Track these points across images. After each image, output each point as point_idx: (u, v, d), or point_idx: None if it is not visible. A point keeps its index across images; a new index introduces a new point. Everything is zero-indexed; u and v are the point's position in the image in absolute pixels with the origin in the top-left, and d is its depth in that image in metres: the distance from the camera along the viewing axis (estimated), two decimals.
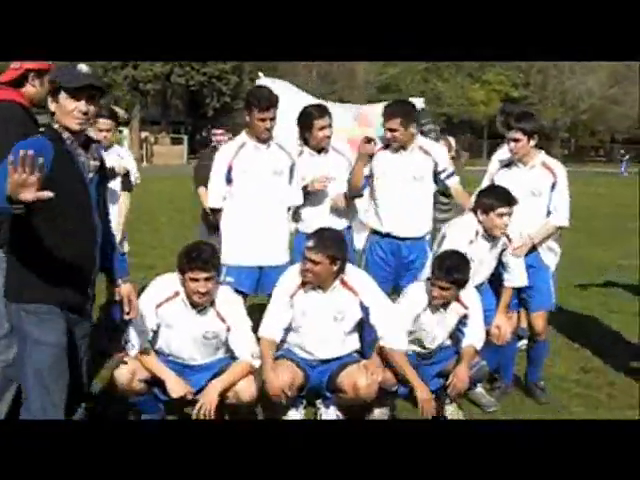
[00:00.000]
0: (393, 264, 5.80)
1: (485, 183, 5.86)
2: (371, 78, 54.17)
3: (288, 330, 5.13)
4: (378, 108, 6.71)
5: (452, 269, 4.94)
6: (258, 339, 5.00)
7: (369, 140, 5.57)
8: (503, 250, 5.44)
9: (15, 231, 3.44)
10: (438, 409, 5.26)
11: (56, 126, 3.53)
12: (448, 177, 5.78)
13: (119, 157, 6.20)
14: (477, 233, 5.32)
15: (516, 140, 5.50)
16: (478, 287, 5.45)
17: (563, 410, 5.41)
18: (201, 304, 4.76)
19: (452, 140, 7.47)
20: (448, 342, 5.35)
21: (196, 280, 4.60)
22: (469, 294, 5.20)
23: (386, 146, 5.67)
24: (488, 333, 5.38)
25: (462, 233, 5.32)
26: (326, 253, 4.84)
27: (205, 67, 44.74)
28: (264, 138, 5.49)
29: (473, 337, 5.21)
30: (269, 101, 5.36)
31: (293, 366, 5.02)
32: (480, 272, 5.43)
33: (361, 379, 4.90)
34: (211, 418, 4.65)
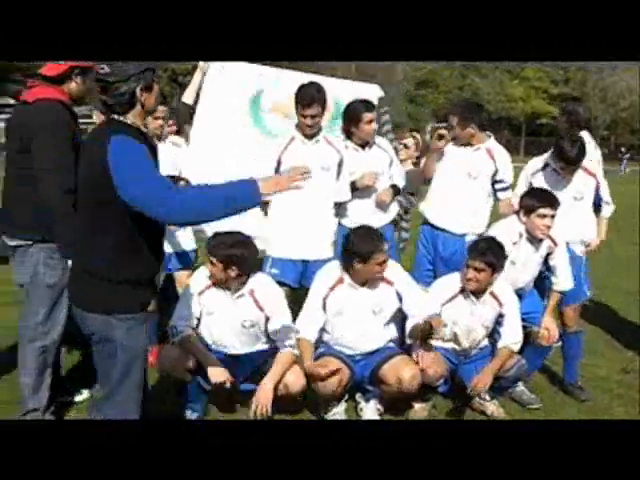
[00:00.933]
0: (435, 256, 5.85)
1: (521, 187, 5.82)
2: (409, 73, 53.98)
3: (326, 327, 5.17)
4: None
5: (487, 251, 4.97)
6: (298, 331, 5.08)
7: (441, 137, 5.61)
8: (549, 254, 5.41)
9: (109, 245, 3.43)
10: (478, 407, 5.32)
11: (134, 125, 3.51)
12: (502, 190, 5.76)
13: (176, 146, 6.16)
14: (520, 235, 5.32)
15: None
16: (522, 290, 5.46)
17: (604, 411, 5.36)
18: (236, 287, 4.88)
19: (418, 136, 7.51)
20: (485, 341, 5.35)
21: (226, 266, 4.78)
22: (505, 292, 5.20)
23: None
24: (535, 334, 5.40)
25: (505, 234, 5.30)
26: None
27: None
28: (309, 134, 5.56)
29: (509, 338, 5.18)
30: (312, 98, 5.42)
31: (340, 363, 5.04)
32: (523, 275, 5.43)
33: (405, 371, 4.93)
34: (269, 416, 4.72)
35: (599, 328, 7.17)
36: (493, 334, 5.31)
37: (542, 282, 5.62)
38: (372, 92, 6.75)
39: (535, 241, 5.33)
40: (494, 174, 5.69)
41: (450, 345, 5.30)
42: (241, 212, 3.34)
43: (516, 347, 5.18)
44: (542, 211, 5.19)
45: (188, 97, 6.34)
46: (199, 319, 5.00)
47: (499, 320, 5.23)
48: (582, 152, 5.37)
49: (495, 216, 5.82)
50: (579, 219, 5.62)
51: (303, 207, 5.54)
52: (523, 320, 5.43)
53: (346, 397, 5.26)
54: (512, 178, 5.83)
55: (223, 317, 4.94)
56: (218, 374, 4.77)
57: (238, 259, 4.75)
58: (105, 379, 3.62)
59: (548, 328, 5.42)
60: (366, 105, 5.79)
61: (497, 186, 5.75)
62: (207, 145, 6.13)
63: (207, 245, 4.85)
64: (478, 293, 5.13)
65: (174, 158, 5.97)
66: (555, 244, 5.38)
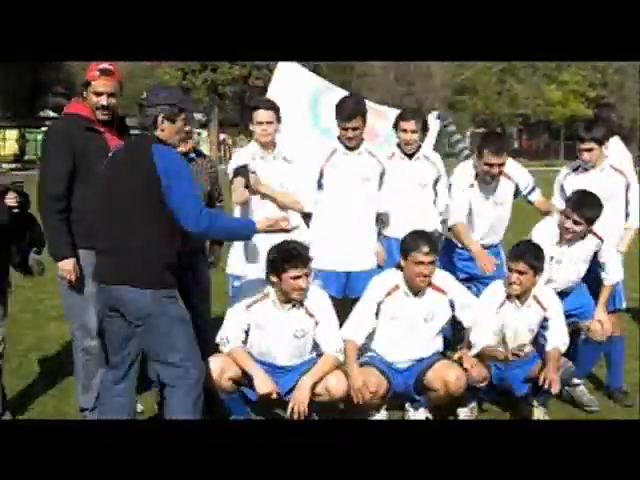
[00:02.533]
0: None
1: (556, 192, 6.00)
2: (447, 79, 53.83)
3: (376, 333, 5.23)
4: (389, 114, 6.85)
5: (527, 253, 5.10)
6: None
7: None
8: (596, 252, 5.53)
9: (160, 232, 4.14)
10: (526, 413, 5.39)
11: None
12: (530, 193, 5.90)
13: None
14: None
15: (589, 150, 5.66)
16: (571, 287, 5.61)
17: None
18: (298, 300, 4.89)
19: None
20: (530, 347, 5.33)
21: (298, 277, 4.77)
22: (548, 296, 5.29)
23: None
24: (588, 329, 5.49)
25: (546, 236, 5.46)
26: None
27: None
28: (350, 146, 5.60)
29: (557, 340, 5.20)
30: (352, 111, 5.47)
31: (377, 374, 5.08)
32: (570, 273, 5.56)
33: (450, 373, 5.03)
34: (305, 415, 4.78)
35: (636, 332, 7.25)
36: (538, 338, 5.37)
37: (591, 277, 5.65)
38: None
39: (579, 239, 5.45)
40: (516, 190, 5.84)
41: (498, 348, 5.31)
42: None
43: (563, 348, 5.21)
44: (570, 215, 5.33)
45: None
46: (247, 332, 5.01)
47: (544, 324, 5.29)
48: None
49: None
50: (610, 218, 5.62)
51: (344, 218, 5.59)
52: (573, 317, 5.54)
53: (385, 407, 5.29)
54: (529, 177, 5.94)
55: (275, 330, 4.95)
56: (265, 386, 4.80)
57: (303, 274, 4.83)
58: (167, 350, 4.16)
59: (600, 321, 5.46)
60: (405, 114, 5.90)
61: (525, 193, 5.89)
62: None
63: (299, 257, 4.82)
64: (522, 298, 5.22)
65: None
66: (601, 240, 5.48)
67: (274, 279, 4.83)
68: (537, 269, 5.12)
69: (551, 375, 4.97)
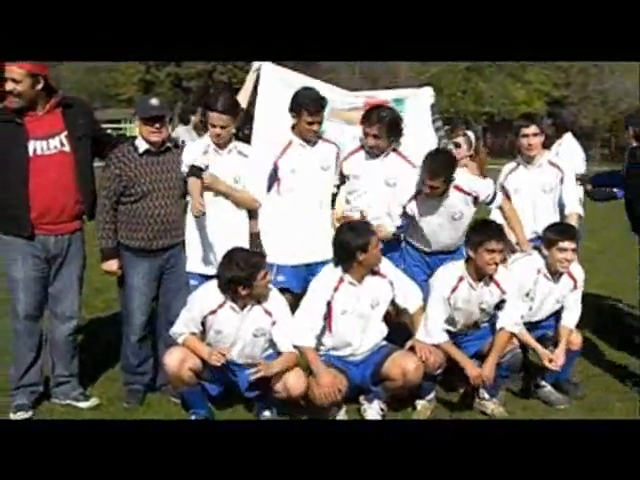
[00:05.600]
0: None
1: (498, 192, 5.97)
2: (412, 77, 53.95)
3: (330, 330, 5.26)
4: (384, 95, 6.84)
5: (500, 232, 5.23)
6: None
7: None
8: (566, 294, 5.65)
9: None
10: (475, 404, 5.55)
11: None
12: (492, 201, 5.86)
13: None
14: (539, 271, 5.56)
15: (531, 136, 5.97)
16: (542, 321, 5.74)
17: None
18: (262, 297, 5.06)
19: (472, 135, 7.46)
20: (484, 323, 5.56)
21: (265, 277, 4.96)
22: (506, 278, 5.37)
23: None
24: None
25: (523, 272, 5.56)
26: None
27: (248, 65, 44.83)
28: (311, 139, 5.64)
29: (508, 319, 5.33)
30: (319, 105, 5.51)
31: (336, 372, 5.15)
32: (541, 311, 5.72)
33: (409, 364, 5.13)
34: (262, 380, 4.95)
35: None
36: (493, 318, 5.48)
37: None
38: (425, 95, 6.88)
39: (554, 278, 5.54)
40: (475, 200, 5.77)
41: (446, 327, 5.41)
42: None
43: (515, 329, 5.35)
44: (562, 245, 5.40)
45: (242, 100, 6.14)
46: (203, 324, 5.13)
47: (500, 305, 5.40)
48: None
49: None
50: (549, 211, 5.99)
51: (302, 210, 5.63)
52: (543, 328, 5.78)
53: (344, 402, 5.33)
54: (488, 186, 5.88)
55: (233, 332, 5.08)
56: (212, 357, 4.93)
57: (247, 279, 4.91)
58: None
59: (554, 361, 5.49)
60: (362, 117, 5.76)
61: (486, 202, 5.87)
62: (268, 147, 5.87)
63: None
64: (479, 277, 5.29)
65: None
66: (575, 286, 5.61)
67: (244, 292, 4.92)
68: (506, 246, 5.26)
69: (487, 365, 5.20)
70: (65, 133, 5.14)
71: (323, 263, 5.50)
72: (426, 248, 5.87)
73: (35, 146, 5.01)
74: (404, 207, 5.70)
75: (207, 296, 5.08)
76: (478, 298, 5.34)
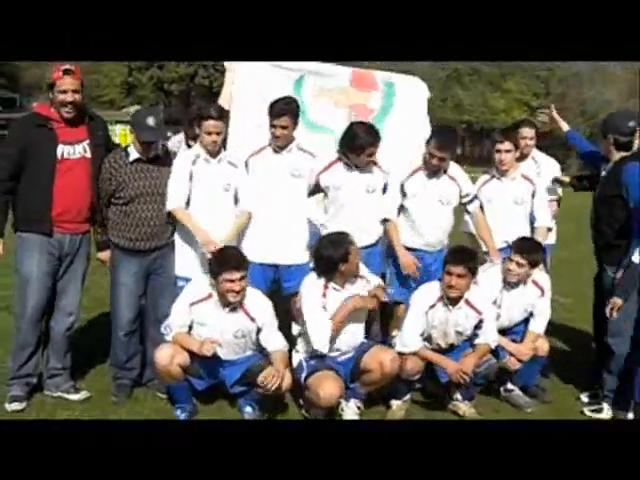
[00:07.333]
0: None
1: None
2: None
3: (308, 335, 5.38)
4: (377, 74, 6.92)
5: (467, 257, 5.34)
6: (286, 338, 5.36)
7: None
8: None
9: None
10: (448, 405, 5.69)
11: None
12: (470, 202, 6.11)
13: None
14: (502, 281, 5.72)
15: (505, 151, 6.09)
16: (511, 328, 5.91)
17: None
18: (235, 303, 5.09)
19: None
20: (459, 342, 5.68)
21: (231, 280, 4.98)
22: (481, 300, 5.56)
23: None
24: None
25: (489, 282, 5.71)
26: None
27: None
28: (277, 144, 5.71)
29: (489, 337, 5.57)
30: (280, 110, 5.57)
31: (336, 375, 5.32)
32: (505, 320, 5.88)
33: (386, 356, 5.33)
34: (277, 387, 5.09)
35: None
36: (471, 338, 5.65)
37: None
38: (416, 84, 7.00)
39: (514, 286, 5.73)
40: (459, 192, 6.06)
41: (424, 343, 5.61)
42: None
43: (493, 344, 5.59)
44: (511, 256, 5.63)
45: (223, 102, 6.23)
46: (190, 328, 5.30)
47: (478, 325, 5.57)
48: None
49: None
50: (519, 222, 6.17)
51: (272, 213, 5.69)
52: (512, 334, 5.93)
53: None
54: (472, 186, 6.20)
55: (215, 329, 5.21)
56: (205, 344, 5.07)
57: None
58: None
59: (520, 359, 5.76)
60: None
61: (464, 200, 6.11)
62: (246, 146, 5.94)
63: (232, 261, 5.10)
64: (455, 300, 5.43)
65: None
66: (543, 294, 5.82)
67: (213, 282, 5.06)
68: (474, 273, 5.34)
69: (467, 361, 5.39)
70: (87, 141, 5.50)
71: (295, 266, 5.78)
72: (415, 239, 6.05)
73: (63, 150, 5.37)
74: (402, 184, 5.96)
75: (195, 287, 5.30)
76: (454, 321, 5.52)
